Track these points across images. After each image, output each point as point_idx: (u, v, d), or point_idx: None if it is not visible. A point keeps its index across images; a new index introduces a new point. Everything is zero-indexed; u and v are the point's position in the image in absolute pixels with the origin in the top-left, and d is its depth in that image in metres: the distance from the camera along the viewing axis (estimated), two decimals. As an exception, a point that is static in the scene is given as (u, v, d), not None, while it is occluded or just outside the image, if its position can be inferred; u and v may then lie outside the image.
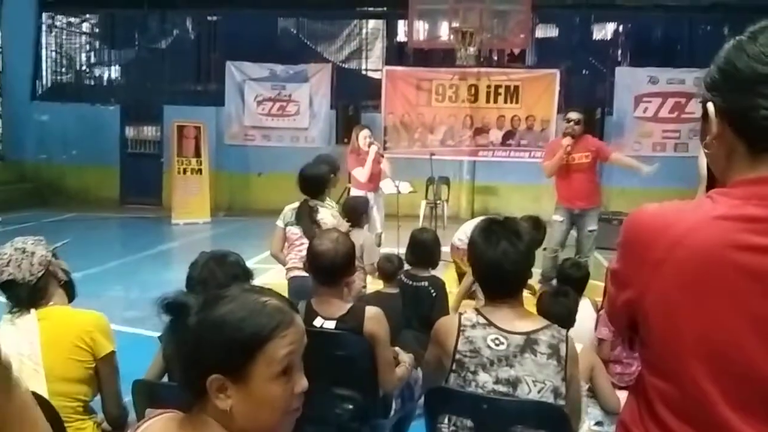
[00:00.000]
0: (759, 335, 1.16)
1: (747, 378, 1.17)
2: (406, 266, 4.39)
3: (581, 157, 6.80)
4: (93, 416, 2.65)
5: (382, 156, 7.34)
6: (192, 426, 1.26)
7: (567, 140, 6.74)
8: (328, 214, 4.52)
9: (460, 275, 6.25)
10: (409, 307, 4.11)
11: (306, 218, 4.50)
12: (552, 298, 3.45)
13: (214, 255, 2.47)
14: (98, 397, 2.65)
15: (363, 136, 7.18)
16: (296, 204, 4.68)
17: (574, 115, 6.90)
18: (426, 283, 4.19)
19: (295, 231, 4.58)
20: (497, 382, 2.16)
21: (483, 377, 2.18)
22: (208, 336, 1.23)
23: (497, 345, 2.18)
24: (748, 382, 1.17)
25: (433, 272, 4.39)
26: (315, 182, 4.66)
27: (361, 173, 6.96)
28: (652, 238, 1.24)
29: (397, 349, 3.15)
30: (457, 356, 2.21)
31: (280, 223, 4.70)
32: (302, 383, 1.31)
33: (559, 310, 3.26)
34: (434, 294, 4.15)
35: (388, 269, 4.35)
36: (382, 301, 4.22)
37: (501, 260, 2.22)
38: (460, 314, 2.31)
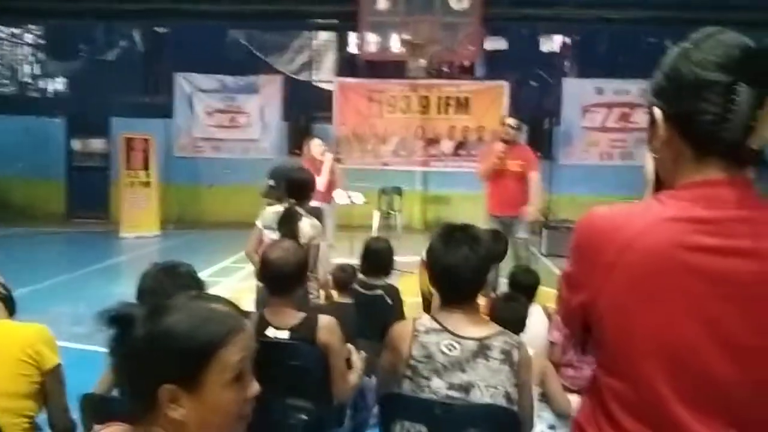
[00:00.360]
0: (711, 335, 1.19)
1: (700, 378, 1.21)
2: (360, 276, 4.38)
3: (515, 165, 6.77)
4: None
5: (338, 162, 7.39)
6: None
7: (499, 145, 6.71)
8: (307, 224, 4.44)
9: (425, 297, 6.09)
10: (364, 316, 4.11)
11: (287, 225, 4.38)
12: (503, 304, 3.49)
13: (164, 266, 2.44)
14: (44, 414, 2.58)
15: (315, 146, 7.25)
16: (280, 207, 4.60)
17: (511, 121, 6.91)
18: (381, 292, 4.19)
19: (272, 236, 4.49)
20: (450, 387, 2.18)
21: (436, 383, 2.19)
22: (159, 346, 1.21)
23: (450, 350, 2.19)
24: (701, 381, 1.21)
25: (387, 280, 4.39)
26: (303, 185, 4.58)
27: (318, 182, 6.96)
28: (602, 241, 1.27)
29: (349, 347, 3.13)
30: (411, 362, 2.22)
31: (258, 223, 4.60)
32: (254, 387, 1.31)
33: (510, 316, 3.30)
34: (390, 302, 4.16)
35: (342, 279, 4.34)
36: (336, 311, 4.21)
37: (460, 265, 2.25)
38: (414, 320, 2.31)
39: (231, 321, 1.27)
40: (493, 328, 2.29)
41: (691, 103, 1.23)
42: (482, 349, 2.19)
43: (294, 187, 4.58)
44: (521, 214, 6.81)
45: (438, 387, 2.19)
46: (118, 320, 1.23)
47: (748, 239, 1.19)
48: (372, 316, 4.07)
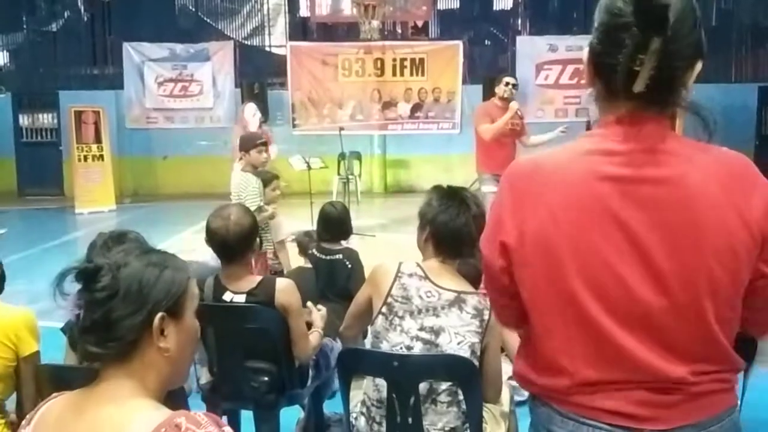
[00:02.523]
0: (630, 261, 1.26)
1: (626, 301, 1.28)
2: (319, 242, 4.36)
3: (516, 124, 6.76)
4: (4, 415, 2.56)
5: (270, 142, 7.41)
6: (101, 393, 1.22)
7: (515, 103, 6.64)
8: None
9: None
10: (325, 280, 4.11)
11: None
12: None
13: (111, 235, 2.40)
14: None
15: (248, 109, 7.34)
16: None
17: (512, 79, 6.85)
18: (340, 256, 4.17)
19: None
20: (421, 329, 2.26)
21: (409, 323, 2.28)
22: (146, 281, 1.25)
23: (428, 297, 2.30)
24: (628, 304, 1.28)
25: (346, 244, 4.39)
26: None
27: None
28: (527, 180, 1.35)
29: (309, 305, 3.13)
30: (389, 299, 2.31)
31: None
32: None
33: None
34: (350, 265, 4.16)
35: (306, 244, 4.32)
36: (303, 275, 4.21)
37: (463, 224, 2.36)
38: (400, 263, 2.41)
39: (180, 258, 1.36)
40: (470, 287, 2.40)
41: (604, 45, 1.30)
42: (458, 301, 2.29)
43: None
44: None
45: (409, 327, 2.27)
46: (90, 273, 1.24)
47: (652, 168, 1.27)
48: (332, 280, 4.08)
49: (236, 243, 2.82)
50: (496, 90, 6.87)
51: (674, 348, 1.29)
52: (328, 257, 4.17)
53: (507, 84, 6.74)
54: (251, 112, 7.40)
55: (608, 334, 1.28)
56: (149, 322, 1.24)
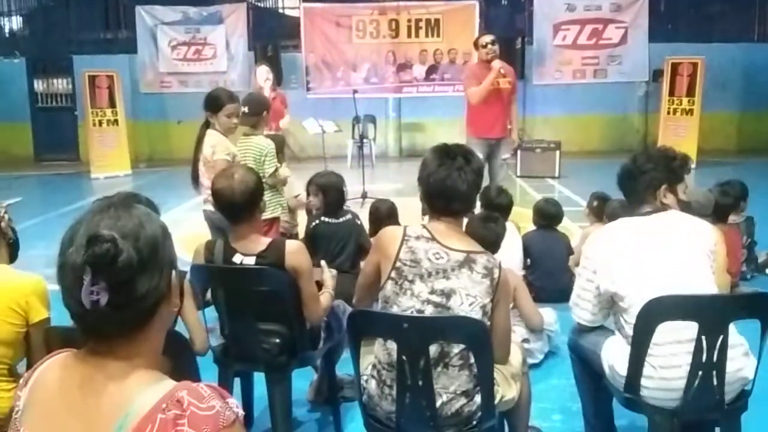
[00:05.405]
0: None
1: None
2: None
3: (505, 82, 6.44)
4: (16, 378, 2.57)
5: (284, 105, 7.35)
6: (101, 358, 1.17)
7: (498, 62, 6.33)
8: (211, 139, 4.30)
9: None
10: (339, 242, 4.29)
11: (199, 140, 4.41)
12: (481, 223, 3.48)
13: (120, 198, 2.37)
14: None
15: (260, 72, 7.20)
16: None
17: (489, 38, 6.49)
18: (350, 216, 4.41)
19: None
20: (432, 292, 2.23)
21: (419, 287, 2.24)
22: (158, 240, 1.20)
23: (437, 259, 2.26)
24: None
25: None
26: (208, 99, 4.39)
27: None
28: None
29: (323, 264, 3.16)
30: (398, 264, 2.28)
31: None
32: None
33: (487, 235, 3.31)
34: (359, 222, 4.44)
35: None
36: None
37: (455, 178, 2.31)
38: (405, 226, 2.39)
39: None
40: (477, 246, 2.37)
41: None
42: (468, 261, 2.26)
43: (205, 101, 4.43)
44: (506, 134, 6.57)
45: (420, 291, 2.24)
46: (107, 254, 1.13)
47: None
48: (347, 239, 4.31)
49: (242, 201, 2.80)
50: (479, 55, 6.59)
51: None
52: (340, 219, 4.27)
53: (485, 45, 6.39)
54: (263, 76, 7.22)
55: None
56: (168, 283, 1.21)
